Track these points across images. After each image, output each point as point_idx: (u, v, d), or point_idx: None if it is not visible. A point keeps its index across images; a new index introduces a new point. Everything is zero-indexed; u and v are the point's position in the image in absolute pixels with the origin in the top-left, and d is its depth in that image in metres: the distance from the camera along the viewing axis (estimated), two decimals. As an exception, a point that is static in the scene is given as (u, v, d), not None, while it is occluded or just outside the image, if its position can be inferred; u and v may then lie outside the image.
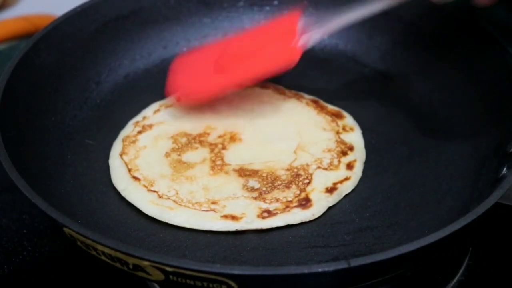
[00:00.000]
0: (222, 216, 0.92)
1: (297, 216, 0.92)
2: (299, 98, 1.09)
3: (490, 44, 1.00)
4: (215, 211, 0.92)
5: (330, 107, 1.07)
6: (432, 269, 0.94)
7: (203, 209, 0.93)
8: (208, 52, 1.08)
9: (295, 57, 1.01)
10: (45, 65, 1.03)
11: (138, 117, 1.06)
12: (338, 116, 1.06)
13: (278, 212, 0.92)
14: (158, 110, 1.07)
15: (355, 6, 0.99)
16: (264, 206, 0.93)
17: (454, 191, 0.95)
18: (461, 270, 0.94)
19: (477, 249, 0.97)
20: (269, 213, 0.92)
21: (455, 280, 0.93)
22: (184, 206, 0.93)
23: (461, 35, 1.06)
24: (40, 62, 1.03)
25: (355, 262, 0.75)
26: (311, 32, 1.01)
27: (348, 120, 1.06)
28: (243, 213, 0.92)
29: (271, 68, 1.02)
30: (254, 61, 1.03)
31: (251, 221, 0.92)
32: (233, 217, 0.92)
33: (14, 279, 0.95)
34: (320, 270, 0.74)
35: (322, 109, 1.07)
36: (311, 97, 1.09)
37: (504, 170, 0.88)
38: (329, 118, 1.05)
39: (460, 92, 1.05)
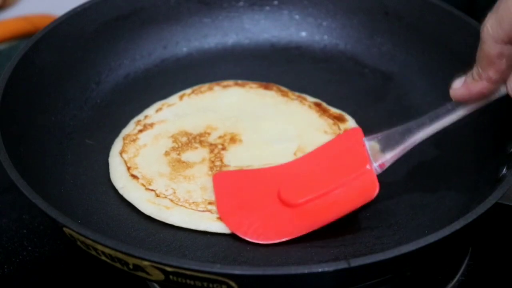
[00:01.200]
0: (218, 218, 0.91)
1: (295, 217, 0.92)
2: (302, 100, 1.08)
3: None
4: (211, 212, 0.92)
5: (333, 110, 1.07)
6: (432, 269, 0.93)
7: (199, 209, 0.92)
8: (260, 177, 0.95)
9: (375, 186, 0.88)
10: (45, 65, 1.03)
11: (140, 116, 1.06)
12: (340, 119, 1.05)
13: (276, 213, 0.92)
14: (160, 109, 1.07)
15: (425, 121, 0.89)
16: (262, 207, 0.93)
17: (454, 191, 0.95)
18: (461, 270, 0.94)
19: (477, 249, 0.96)
20: (267, 214, 0.92)
21: (455, 280, 0.93)
22: (181, 205, 0.93)
23: (461, 35, 1.06)
24: (40, 62, 1.03)
25: (355, 262, 0.75)
26: (384, 155, 0.90)
27: (350, 123, 1.05)
28: (240, 215, 0.92)
29: (350, 203, 0.89)
30: (328, 193, 0.89)
31: (247, 223, 0.92)
32: (230, 219, 0.92)
33: (14, 279, 0.95)
34: (320, 270, 0.74)
35: (324, 112, 1.06)
36: (314, 99, 1.08)
37: (504, 170, 0.88)
38: (330, 121, 1.05)
39: (460, 92, 1.05)
